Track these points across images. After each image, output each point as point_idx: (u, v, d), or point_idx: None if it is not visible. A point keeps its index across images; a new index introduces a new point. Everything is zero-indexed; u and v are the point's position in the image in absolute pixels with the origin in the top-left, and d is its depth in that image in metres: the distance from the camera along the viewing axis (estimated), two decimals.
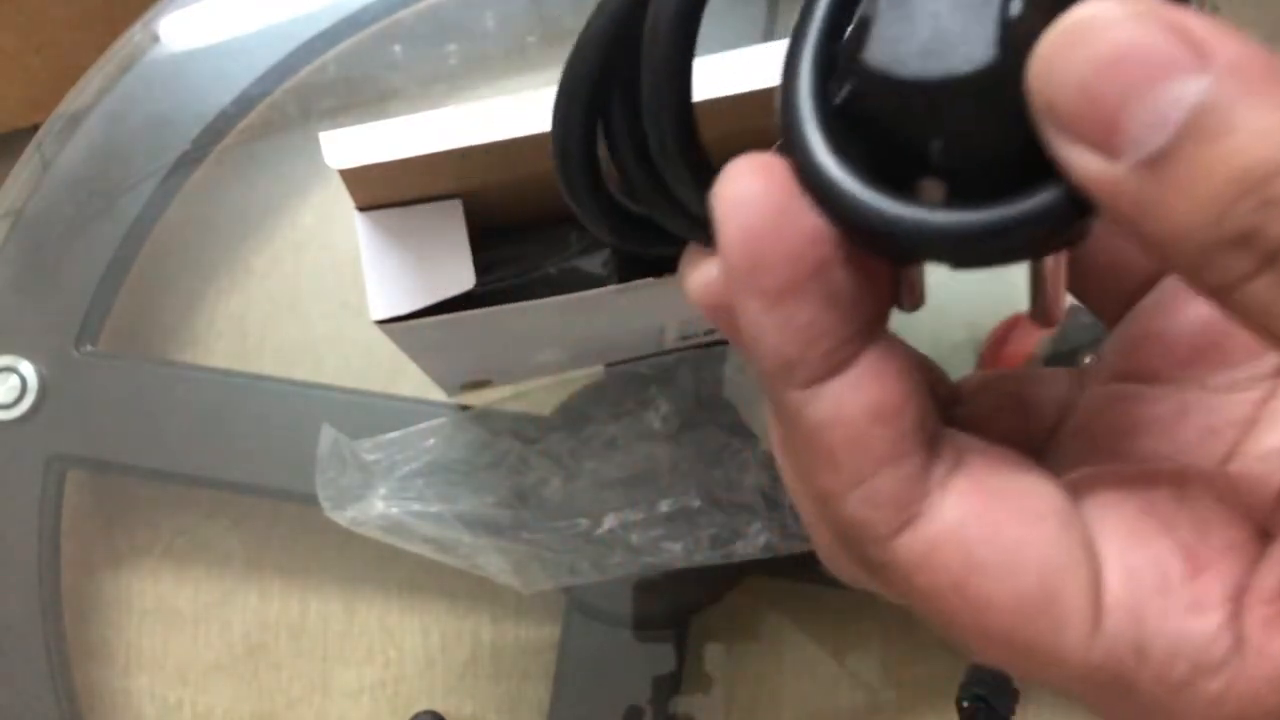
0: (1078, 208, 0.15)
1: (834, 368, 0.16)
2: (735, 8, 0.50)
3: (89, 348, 0.47)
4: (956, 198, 0.16)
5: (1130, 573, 0.16)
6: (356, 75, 0.53)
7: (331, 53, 0.52)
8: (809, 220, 0.16)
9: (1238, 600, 0.15)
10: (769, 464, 0.43)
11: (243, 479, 0.46)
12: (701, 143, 0.18)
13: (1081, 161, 0.14)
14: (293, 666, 0.48)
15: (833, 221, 0.16)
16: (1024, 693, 0.40)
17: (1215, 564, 0.16)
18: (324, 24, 0.52)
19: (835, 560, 0.20)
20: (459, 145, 0.29)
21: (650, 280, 0.32)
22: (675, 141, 0.18)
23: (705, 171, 0.18)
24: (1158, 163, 0.13)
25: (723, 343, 0.46)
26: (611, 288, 0.32)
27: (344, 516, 0.41)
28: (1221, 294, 0.14)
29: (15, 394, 0.46)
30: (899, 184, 0.16)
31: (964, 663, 0.41)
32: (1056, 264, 0.18)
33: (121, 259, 0.49)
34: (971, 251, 0.15)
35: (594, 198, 0.21)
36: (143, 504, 0.49)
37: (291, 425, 0.45)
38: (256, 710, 0.47)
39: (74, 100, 0.51)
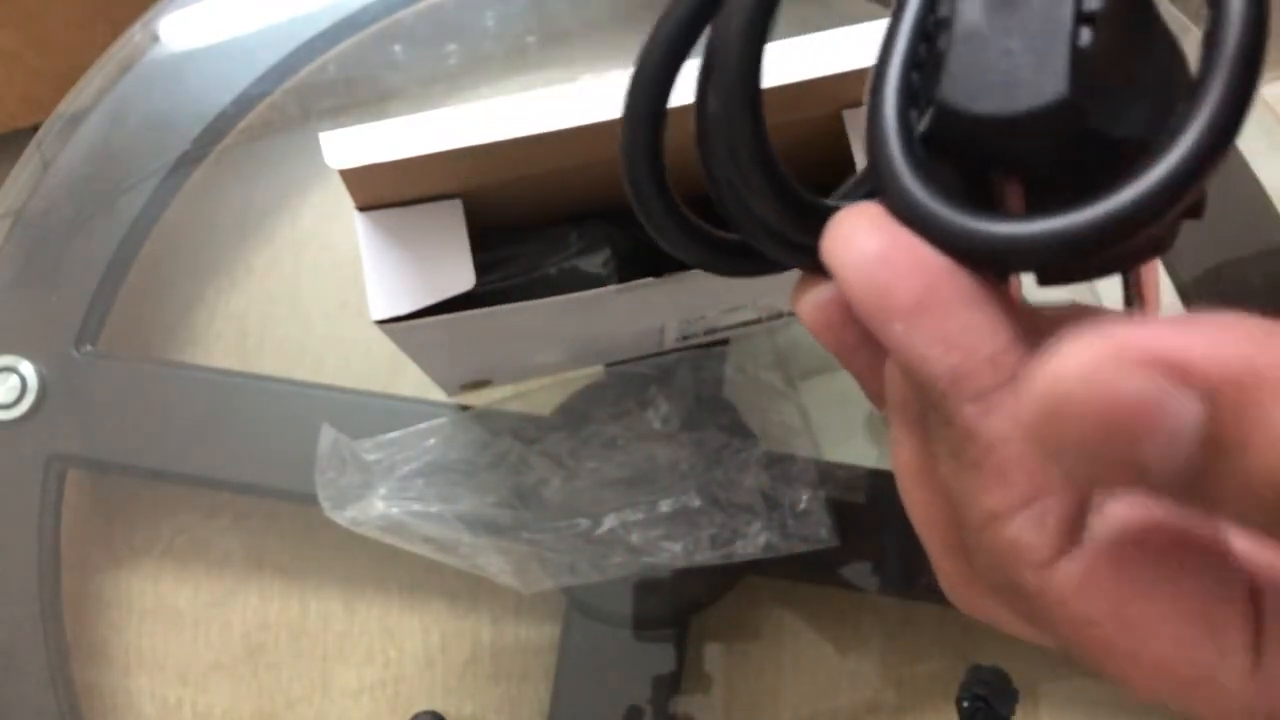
0: (1152, 214, 0.15)
1: (1003, 376, 0.16)
2: None
3: (89, 348, 0.47)
4: (1038, 204, 0.16)
5: None
6: (356, 75, 0.53)
7: (331, 53, 0.52)
8: (917, 239, 0.16)
9: None
10: (769, 464, 0.43)
11: (243, 479, 0.46)
12: (780, 165, 0.18)
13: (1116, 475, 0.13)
14: (293, 666, 0.48)
15: (933, 245, 0.16)
16: (1024, 693, 0.40)
17: None
18: (324, 24, 0.52)
19: (961, 591, 0.19)
20: (459, 145, 0.29)
21: (650, 280, 0.32)
22: (753, 167, 0.18)
23: (788, 193, 0.18)
24: (1193, 484, 0.13)
25: (723, 342, 0.46)
26: (611, 288, 0.32)
27: (344, 516, 0.41)
28: None
29: (15, 394, 0.46)
30: (984, 189, 0.17)
31: (964, 663, 0.41)
32: (1149, 272, 0.18)
33: (121, 259, 0.49)
34: (1058, 264, 0.16)
35: (673, 224, 0.21)
36: (143, 504, 0.49)
37: (291, 425, 0.45)
38: (256, 710, 0.47)
39: (74, 100, 0.51)
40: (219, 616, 0.48)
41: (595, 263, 0.35)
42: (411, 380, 0.46)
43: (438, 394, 0.46)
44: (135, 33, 0.52)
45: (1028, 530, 0.16)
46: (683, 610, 0.45)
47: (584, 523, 0.42)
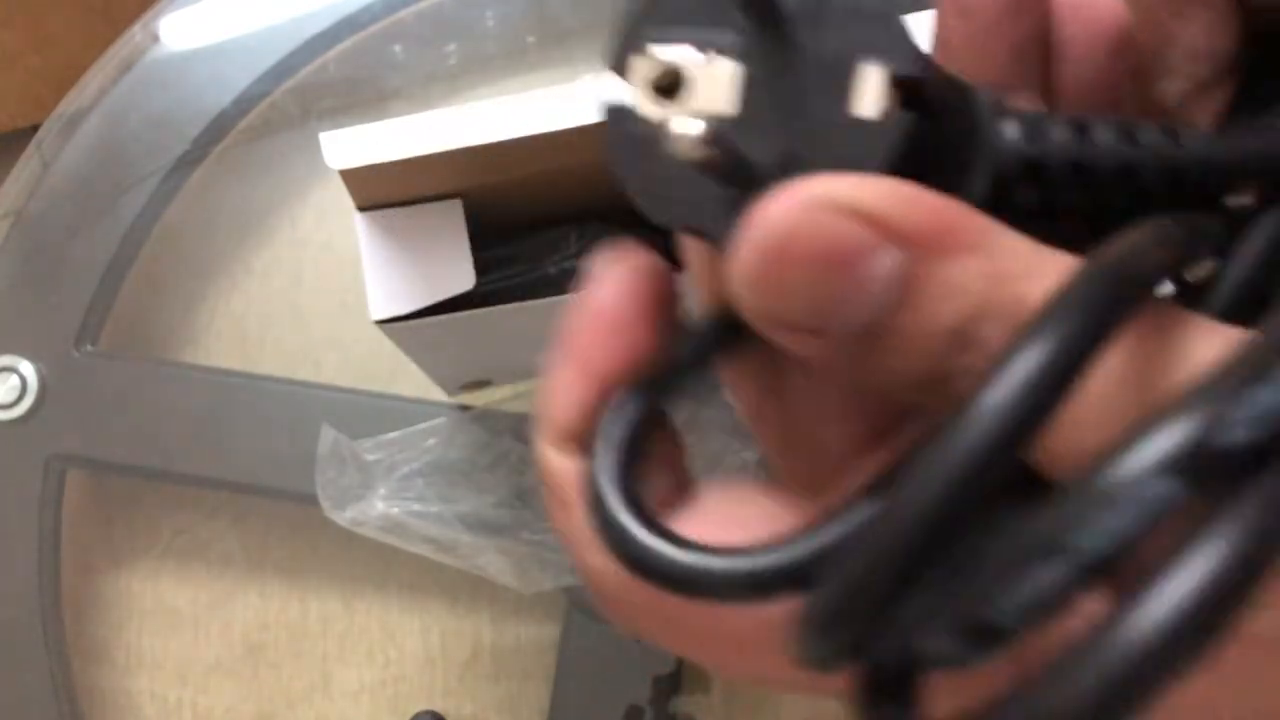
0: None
1: None
2: None
3: (89, 348, 0.47)
4: None
5: None
6: (356, 75, 0.53)
7: (331, 53, 0.52)
8: None
9: None
10: (768, 465, 0.43)
11: (243, 479, 0.46)
12: None
13: (798, 346, 0.14)
14: (293, 666, 0.48)
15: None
16: None
17: None
18: (324, 24, 0.52)
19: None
20: (459, 145, 0.29)
21: None
22: None
23: None
24: (869, 332, 0.14)
25: None
26: None
27: (344, 516, 0.41)
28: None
29: (15, 394, 0.46)
30: None
31: None
32: None
33: (121, 259, 0.49)
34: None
35: None
36: (143, 504, 0.49)
37: (291, 425, 0.45)
38: (256, 710, 0.47)
39: (74, 100, 0.51)
40: (219, 616, 0.48)
41: None
42: (411, 380, 0.46)
43: (438, 394, 0.46)
44: (135, 33, 0.52)
45: None
46: None
47: None
